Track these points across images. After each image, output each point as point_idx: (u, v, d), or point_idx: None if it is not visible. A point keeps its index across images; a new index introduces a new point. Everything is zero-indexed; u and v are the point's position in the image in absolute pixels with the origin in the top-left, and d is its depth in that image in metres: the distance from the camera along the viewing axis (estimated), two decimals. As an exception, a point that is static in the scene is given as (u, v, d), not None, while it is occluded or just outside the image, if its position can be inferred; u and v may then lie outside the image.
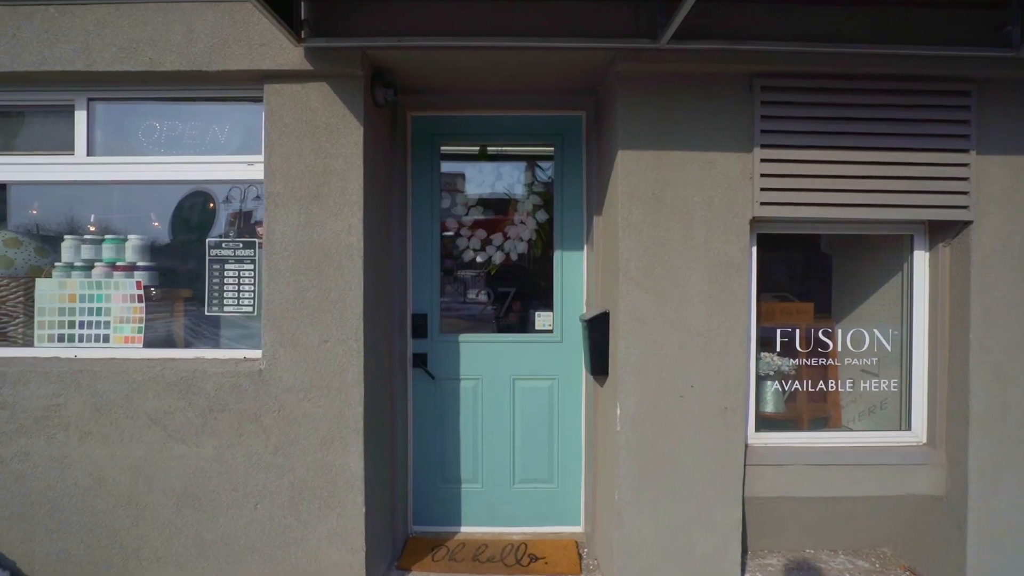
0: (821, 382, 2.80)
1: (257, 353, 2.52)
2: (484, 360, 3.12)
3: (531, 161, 3.17)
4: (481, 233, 3.15)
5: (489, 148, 3.18)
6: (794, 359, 2.79)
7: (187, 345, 2.63)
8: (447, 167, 3.18)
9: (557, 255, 3.06)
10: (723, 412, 2.41)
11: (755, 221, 2.45)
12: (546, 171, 3.15)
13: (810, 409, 2.85)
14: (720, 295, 2.40)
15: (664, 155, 2.39)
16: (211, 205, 2.73)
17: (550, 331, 3.09)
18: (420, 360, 3.08)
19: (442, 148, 3.13)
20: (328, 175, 2.41)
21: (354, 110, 2.41)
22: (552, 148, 3.09)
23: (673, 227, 2.40)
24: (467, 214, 3.17)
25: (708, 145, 2.39)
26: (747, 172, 2.40)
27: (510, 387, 3.12)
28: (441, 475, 3.13)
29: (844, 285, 3.06)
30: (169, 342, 2.64)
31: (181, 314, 2.67)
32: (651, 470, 2.41)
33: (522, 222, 3.14)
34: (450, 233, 3.17)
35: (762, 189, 2.39)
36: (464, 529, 3.13)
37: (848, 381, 2.79)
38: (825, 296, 3.18)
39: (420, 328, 3.09)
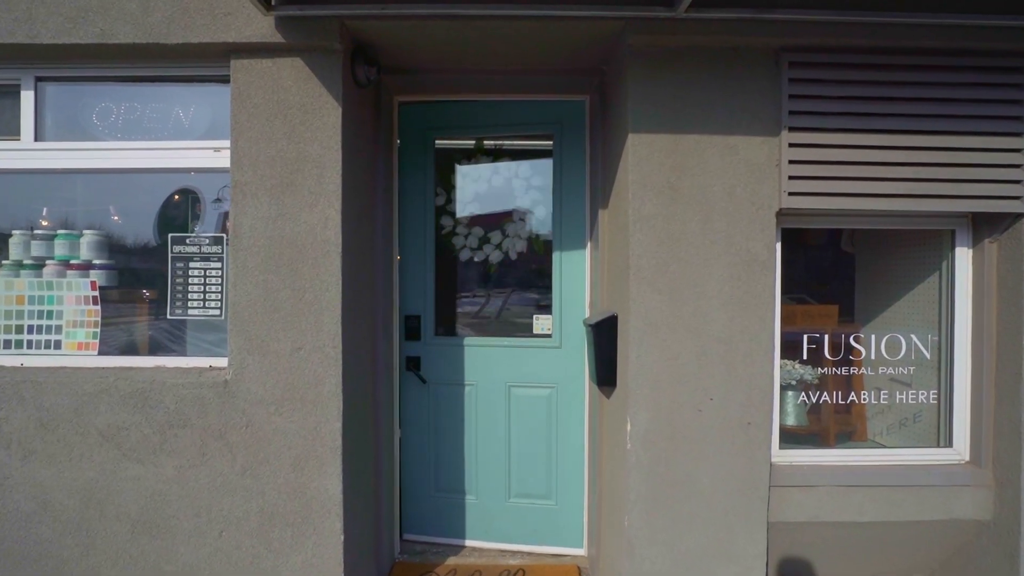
0: (848, 393, 2.54)
1: (224, 362, 2.25)
2: (479, 365, 2.90)
3: (531, 151, 2.95)
4: (478, 231, 2.95)
5: (485, 140, 2.96)
6: (818, 367, 2.53)
7: (147, 352, 2.36)
8: (440, 158, 2.98)
9: (556, 253, 2.81)
10: (746, 428, 2.14)
11: (781, 213, 2.19)
12: (547, 163, 2.90)
13: (835, 422, 2.59)
14: (743, 296, 2.14)
15: (680, 139, 2.12)
16: (176, 197, 2.46)
17: (549, 335, 2.86)
18: (413, 363, 2.91)
19: (437, 141, 2.94)
20: (302, 162, 2.14)
21: (331, 89, 2.14)
22: (551, 140, 2.84)
23: (690, 220, 2.13)
24: (464, 211, 2.96)
25: (730, 128, 2.13)
26: (773, 158, 2.13)
27: (505, 394, 2.89)
28: (435, 483, 2.96)
29: (870, 286, 2.80)
30: (128, 349, 2.37)
31: (142, 318, 2.40)
32: (665, 493, 2.14)
33: (521, 219, 2.91)
34: (446, 230, 2.97)
35: (790, 177, 2.13)
36: (456, 542, 2.95)
37: (880, 392, 2.53)
38: (846, 298, 2.93)
39: (413, 330, 2.91)
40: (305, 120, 2.15)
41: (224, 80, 2.27)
